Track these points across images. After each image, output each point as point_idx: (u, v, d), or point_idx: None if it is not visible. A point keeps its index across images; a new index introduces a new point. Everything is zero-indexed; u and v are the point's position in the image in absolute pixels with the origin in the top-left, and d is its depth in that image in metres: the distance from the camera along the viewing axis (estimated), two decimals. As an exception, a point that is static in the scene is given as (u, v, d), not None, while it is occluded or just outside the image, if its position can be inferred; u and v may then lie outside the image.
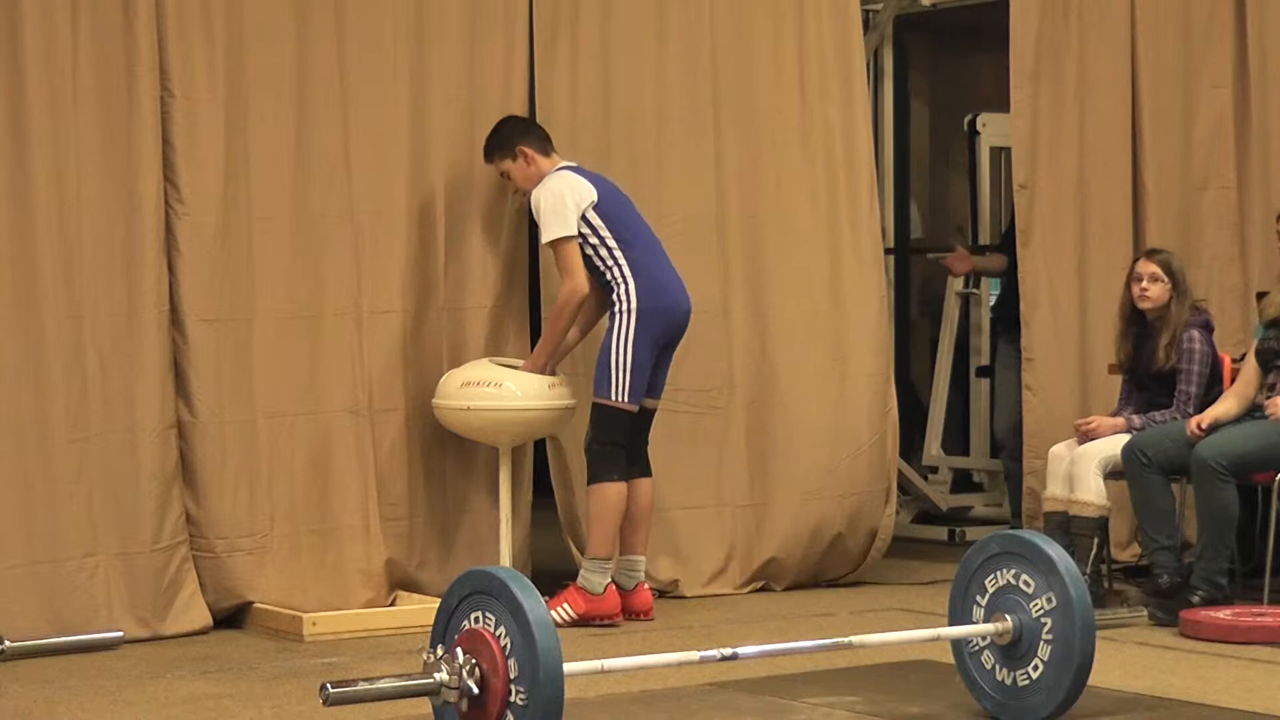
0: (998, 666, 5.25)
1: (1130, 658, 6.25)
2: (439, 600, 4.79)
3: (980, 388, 9.73)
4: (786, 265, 7.85)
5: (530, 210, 7.04)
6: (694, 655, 4.97)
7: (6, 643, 6.24)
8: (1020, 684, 5.19)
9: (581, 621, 6.84)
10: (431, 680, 4.57)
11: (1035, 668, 5.16)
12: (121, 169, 6.60)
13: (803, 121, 7.90)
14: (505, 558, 7.09)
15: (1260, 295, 7.71)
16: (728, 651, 4.95)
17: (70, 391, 6.49)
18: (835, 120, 7.96)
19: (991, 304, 9.46)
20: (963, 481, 9.91)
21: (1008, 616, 5.19)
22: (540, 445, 7.47)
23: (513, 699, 4.50)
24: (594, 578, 6.88)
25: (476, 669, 4.55)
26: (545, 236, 6.92)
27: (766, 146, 7.82)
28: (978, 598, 5.30)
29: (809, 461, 7.85)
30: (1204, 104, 8.51)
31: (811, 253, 7.90)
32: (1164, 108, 8.52)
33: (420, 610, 6.71)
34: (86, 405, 6.52)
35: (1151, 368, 7.48)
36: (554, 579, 7.20)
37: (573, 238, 6.88)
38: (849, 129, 8.00)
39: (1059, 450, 7.52)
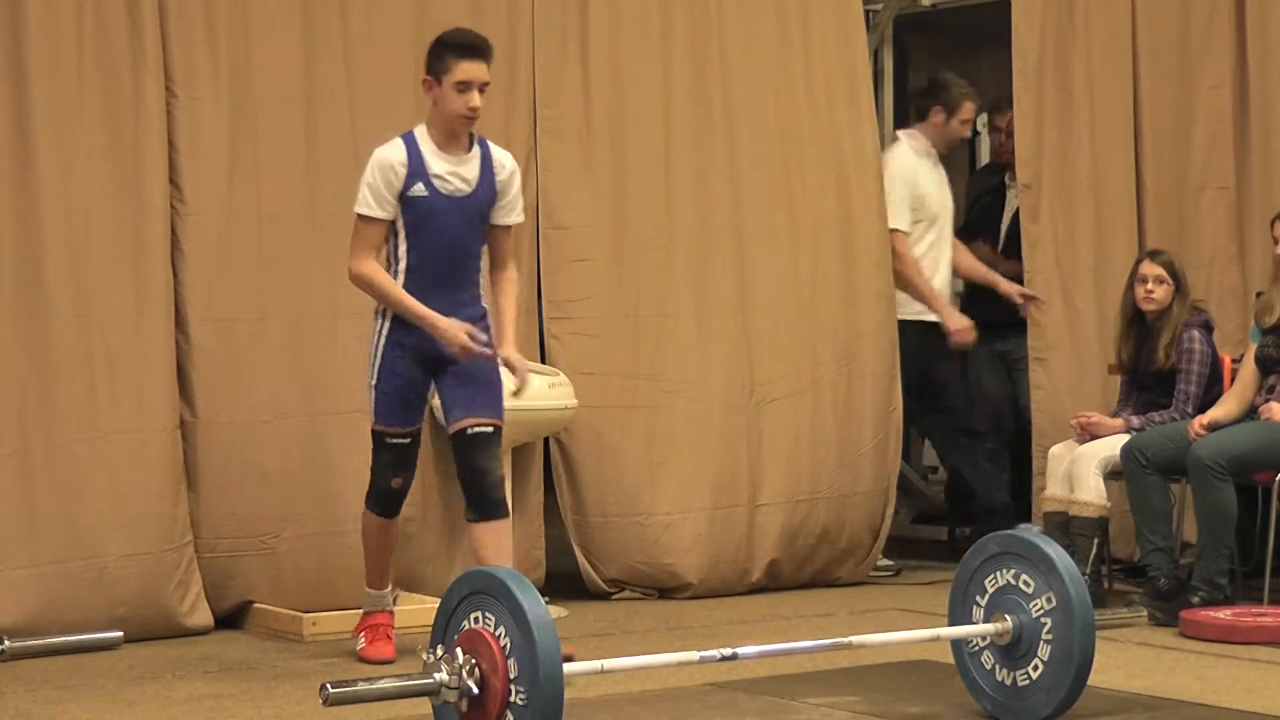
0: (998, 666, 5.25)
1: (1130, 658, 6.25)
2: (439, 600, 4.80)
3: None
4: (793, 265, 7.86)
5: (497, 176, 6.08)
6: (694, 655, 4.97)
7: (6, 642, 6.24)
8: (1020, 684, 5.19)
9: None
10: (431, 680, 4.57)
11: (1035, 668, 5.16)
12: (128, 169, 6.61)
13: (811, 122, 7.91)
14: (505, 558, 7.10)
15: (1259, 295, 7.71)
16: (728, 651, 4.95)
17: (77, 391, 6.50)
18: (842, 120, 7.98)
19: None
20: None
21: (1007, 616, 5.19)
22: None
23: (513, 699, 4.50)
24: None
25: (476, 669, 4.55)
26: (519, 217, 6.19)
27: (775, 147, 7.83)
28: (978, 598, 5.30)
29: (811, 462, 7.85)
30: (1203, 104, 8.50)
31: (819, 253, 7.91)
32: (1163, 108, 8.52)
33: (420, 610, 6.71)
34: (94, 405, 6.53)
35: (1151, 368, 7.48)
36: (565, 579, 7.20)
37: None
38: (855, 130, 8.02)
39: (1059, 450, 7.53)
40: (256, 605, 6.83)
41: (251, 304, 6.83)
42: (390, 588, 6.39)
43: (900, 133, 8.47)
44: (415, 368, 6.01)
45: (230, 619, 6.85)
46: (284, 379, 6.88)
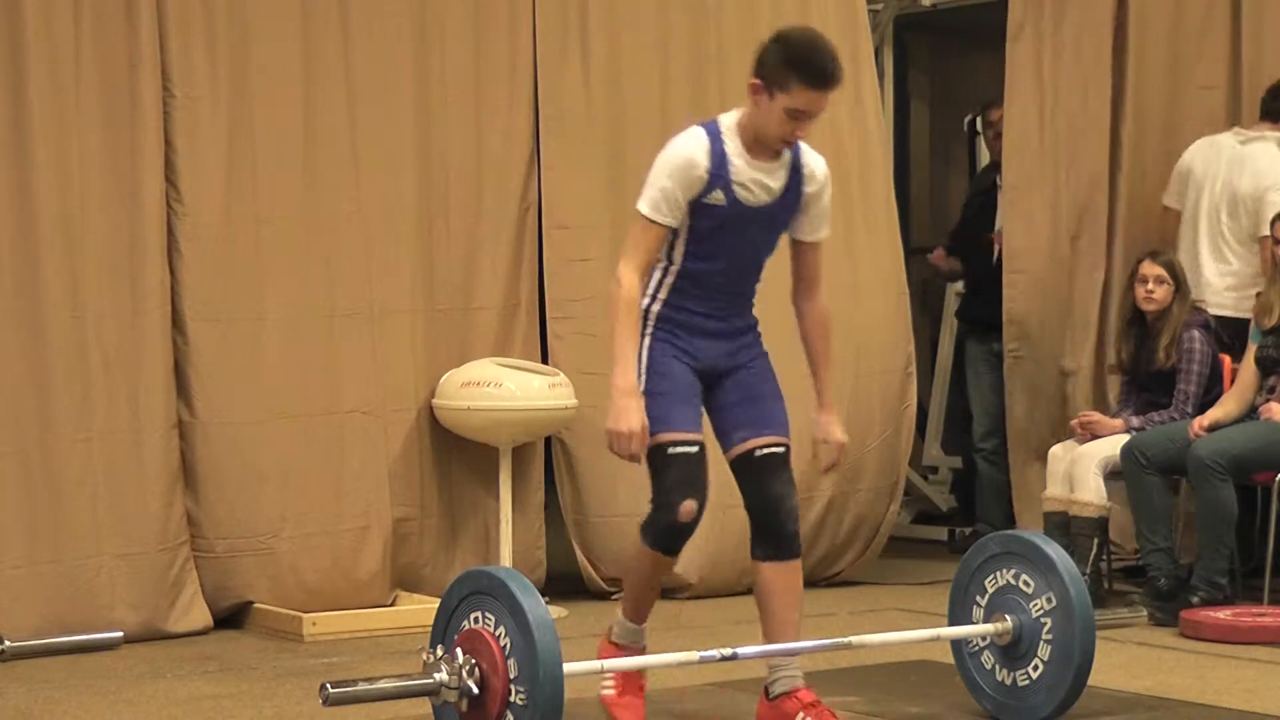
0: (998, 666, 5.25)
1: (1130, 658, 6.25)
2: (439, 600, 4.79)
3: None
4: (790, 264, 7.83)
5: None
6: (694, 655, 4.96)
7: (6, 643, 6.24)
8: (1020, 684, 5.19)
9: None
10: (431, 680, 4.57)
11: (1035, 668, 5.16)
12: (125, 169, 6.60)
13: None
14: (506, 558, 7.10)
15: (1258, 295, 7.71)
16: (728, 651, 4.95)
17: (73, 391, 6.50)
18: (843, 120, 7.96)
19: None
20: (963, 482, 9.91)
21: (1007, 616, 5.19)
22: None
23: (513, 699, 4.50)
24: None
25: (476, 669, 4.55)
26: (827, 231, 5.27)
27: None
28: (978, 598, 5.30)
29: (812, 460, 7.84)
30: (1196, 105, 8.50)
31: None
32: (1155, 108, 8.51)
33: (420, 610, 6.71)
34: (90, 405, 6.53)
35: (1151, 368, 7.49)
36: (565, 579, 7.18)
37: None
38: (859, 127, 8.01)
39: (1059, 450, 7.53)
40: (256, 605, 6.83)
41: (249, 304, 6.83)
42: (645, 629, 5.37)
43: (1270, 134, 8.00)
44: (689, 370, 5.14)
45: (230, 619, 6.85)
46: (282, 379, 6.88)
